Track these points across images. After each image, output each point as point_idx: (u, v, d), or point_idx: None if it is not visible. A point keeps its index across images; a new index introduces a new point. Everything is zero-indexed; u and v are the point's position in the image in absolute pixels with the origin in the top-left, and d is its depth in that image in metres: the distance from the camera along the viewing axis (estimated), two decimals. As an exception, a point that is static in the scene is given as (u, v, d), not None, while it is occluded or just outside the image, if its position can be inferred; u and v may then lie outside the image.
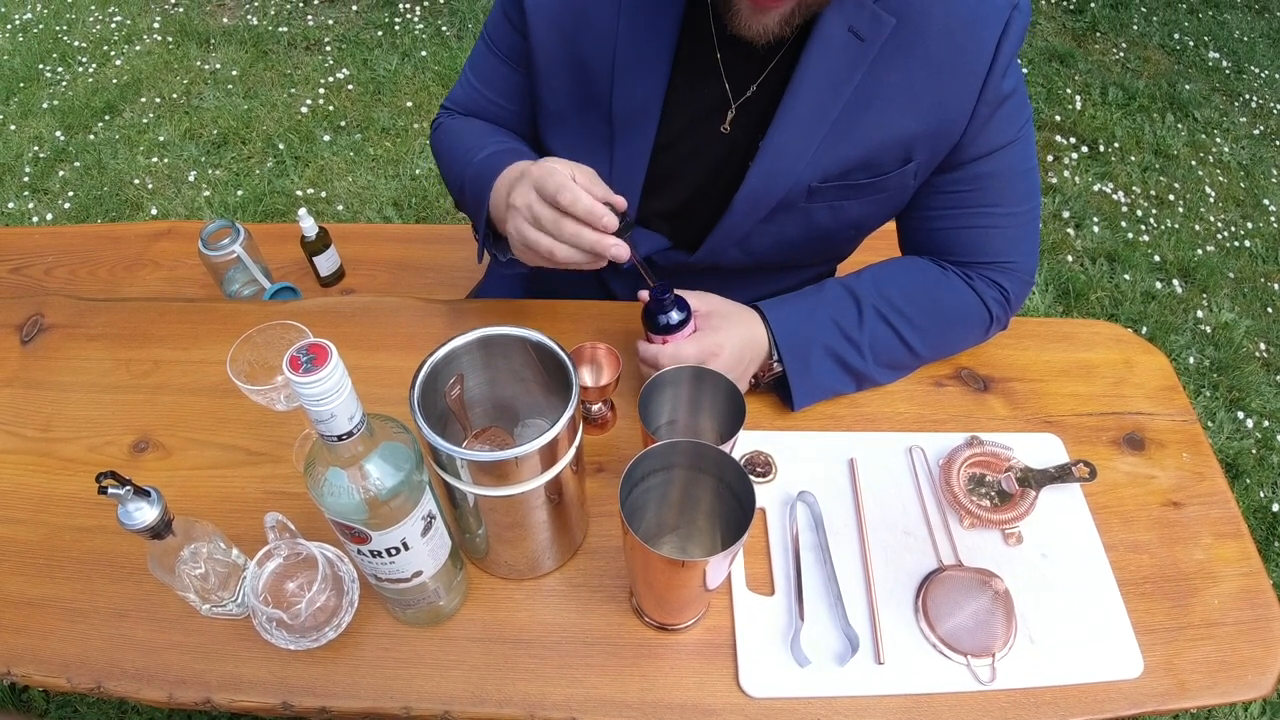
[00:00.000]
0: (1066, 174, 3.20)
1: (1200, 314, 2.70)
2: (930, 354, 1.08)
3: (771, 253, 1.12)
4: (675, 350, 0.95)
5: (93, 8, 4.19)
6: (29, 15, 4.20)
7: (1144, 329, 2.62)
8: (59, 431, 1.03)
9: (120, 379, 1.09)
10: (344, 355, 0.60)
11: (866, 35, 0.92)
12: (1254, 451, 2.33)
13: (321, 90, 3.47)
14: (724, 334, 0.97)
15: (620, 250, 0.84)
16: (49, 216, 3.02)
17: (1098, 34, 4.05)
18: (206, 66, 3.67)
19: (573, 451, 0.76)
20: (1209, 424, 2.38)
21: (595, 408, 1.01)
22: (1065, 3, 4.27)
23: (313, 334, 0.93)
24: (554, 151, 1.09)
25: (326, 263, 1.59)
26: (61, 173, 3.19)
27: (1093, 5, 4.23)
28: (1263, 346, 2.64)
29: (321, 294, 1.62)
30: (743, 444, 1.00)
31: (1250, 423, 2.39)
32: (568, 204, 0.82)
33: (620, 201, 0.86)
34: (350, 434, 0.64)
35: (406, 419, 0.72)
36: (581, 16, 0.99)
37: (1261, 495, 2.23)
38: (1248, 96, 3.78)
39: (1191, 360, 2.55)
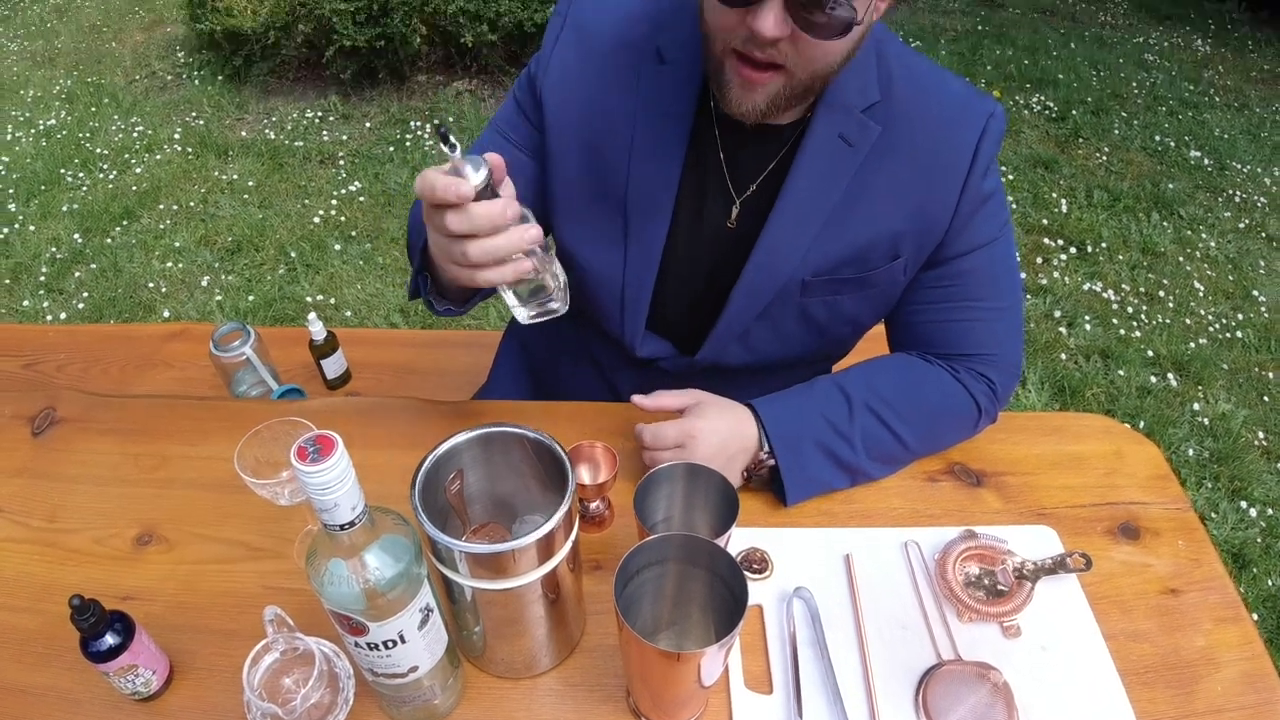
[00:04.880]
0: (1056, 275, 3.28)
1: (1197, 406, 2.73)
2: (921, 447, 1.10)
3: (772, 349, 1.16)
4: (656, 429, 1.03)
5: (116, 117, 4.38)
6: (53, 121, 4.39)
7: (1141, 423, 2.64)
8: (65, 522, 1.05)
9: (128, 473, 1.11)
10: (348, 452, 0.63)
11: (855, 141, 1.00)
12: (1259, 540, 2.32)
13: (334, 201, 3.60)
14: (706, 421, 1.01)
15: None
16: (63, 316, 3.09)
17: (1080, 140, 4.23)
18: (224, 176, 3.82)
19: (569, 546, 0.78)
20: (1212, 515, 2.38)
21: (593, 505, 1.03)
22: (1047, 111, 4.46)
23: (318, 430, 0.95)
24: (566, 243, 1.13)
25: (333, 366, 1.63)
26: (77, 274, 3.28)
27: (1074, 113, 4.42)
28: (1261, 435, 2.66)
29: (328, 395, 1.65)
30: (738, 541, 1.02)
31: (1254, 512, 2.39)
32: (440, 199, 0.77)
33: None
34: (352, 524, 0.66)
35: (408, 513, 0.74)
36: (598, 106, 1.05)
37: (1270, 584, 2.21)
38: (1231, 192, 3.90)
39: (1191, 452, 2.56)
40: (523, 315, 0.88)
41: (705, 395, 1.07)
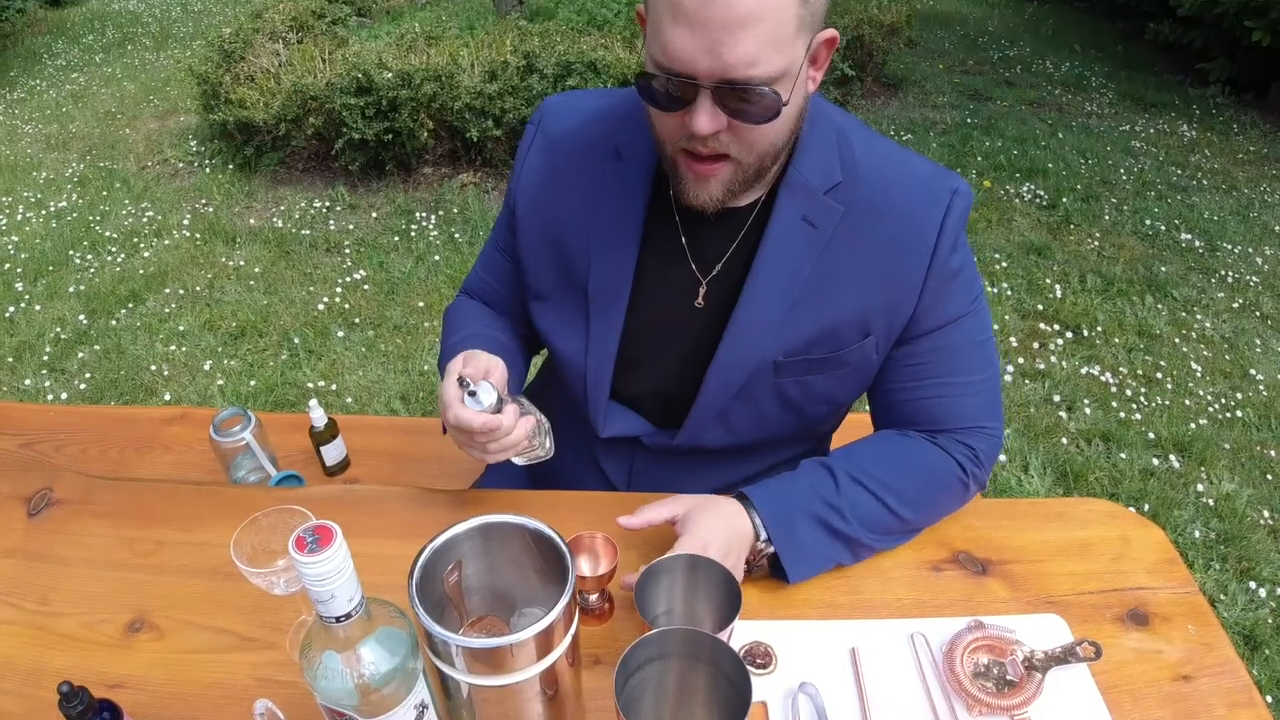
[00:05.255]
0: (1053, 359, 3.30)
1: (1201, 487, 2.71)
2: (913, 515, 1.09)
3: (752, 430, 1.16)
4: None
5: (126, 202, 4.48)
6: (64, 203, 4.49)
7: (1146, 506, 2.62)
8: (56, 606, 1.03)
9: (122, 557, 1.10)
10: (346, 541, 0.63)
11: (818, 223, 1.03)
12: (1270, 621, 2.27)
13: (339, 289, 3.65)
14: (707, 528, 1.00)
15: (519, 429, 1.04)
16: (64, 396, 3.09)
17: (1071, 226, 4.29)
18: (231, 262, 3.88)
19: (568, 640, 0.76)
20: (1222, 597, 2.33)
21: (593, 598, 1.02)
22: (1038, 199, 4.55)
23: (316, 519, 0.95)
24: (540, 328, 1.22)
25: (333, 453, 1.63)
26: (81, 354, 3.30)
27: (1064, 200, 4.50)
28: (1266, 514, 2.63)
29: (326, 483, 1.64)
30: (741, 634, 1.00)
31: (1263, 592, 2.35)
32: (462, 435, 1.03)
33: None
34: (349, 615, 0.65)
35: (404, 605, 0.73)
36: (563, 203, 1.13)
37: (1283, 664, 2.15)
38: (1223, 272, 3.95)
39: (1197, 534, 2.53)
40: (519, 461, 1.12)
41: (690, 501, 1.05)
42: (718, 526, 1.00)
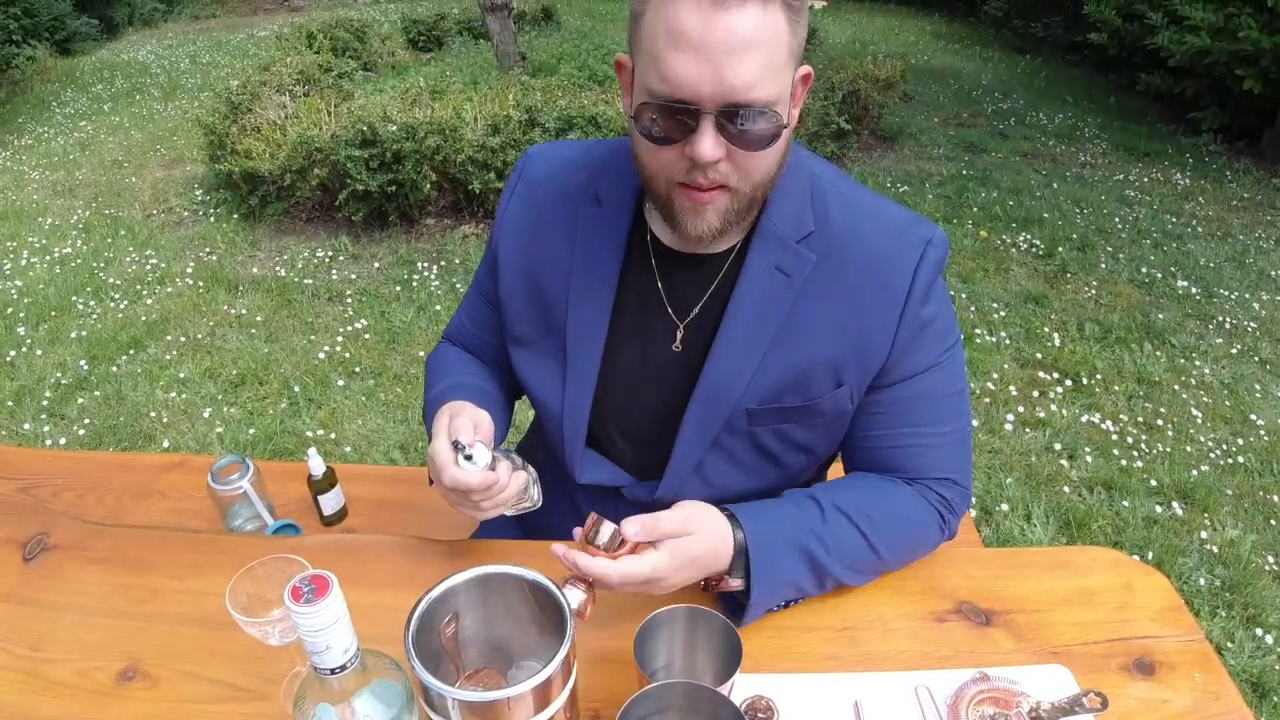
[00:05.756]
0: (1053, 408, 3.30)
1: (1204, 534, 2.69)
2: (890, 555, 1.09)
3: (730, 482, 1.16)
4: (625, 571, 0.92)
5: (131, 249, 4.52)
6: (69, 249, 4.53)
7: (1150, 554, 2.60)
8: (49, 652, 1.02)
9: (116, 604, 1.09)
10: (342, 591, 0.62)
11: (791, 271, 1.04)
12: (1278, 668, 2.24)
13: (340, 338, 3.67)
14: (697, 522, 0.98)
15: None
16: (62, 441, 3.09)
17: (1068, 275, 4.33)
18: (233, 311, 3.90)
19: (566, 693, 0.76)
20: (1228, 644, 2.30)
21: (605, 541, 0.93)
22: (1034, 249, 4.59)
23: (313, 569, 0.94)
24: (519, 374, 1.22)
25: (331, 502, 1.62)
26: (81, 400, 3.30)
27: (1060, 250, 4.54)
28: (1271, 560, 2.61)
29: (323, 532, 1.63)
30: (742, 688, 0.98)
31: (1270, 639, 2.32)
32: (457, 495, 1.02)
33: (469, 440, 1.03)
34: (344, 667, 0.65)
35: (400, 656, 0.73)
36: (542, 249, 1.14)
37: (1291, 712, 2.12)
38: (1221, 319, 3.96)
39: (1202, 581, 2.51)
40: (509, 513, 1.12)
41: (689, 506, 1.01)
42: (704, 535, 0.98)
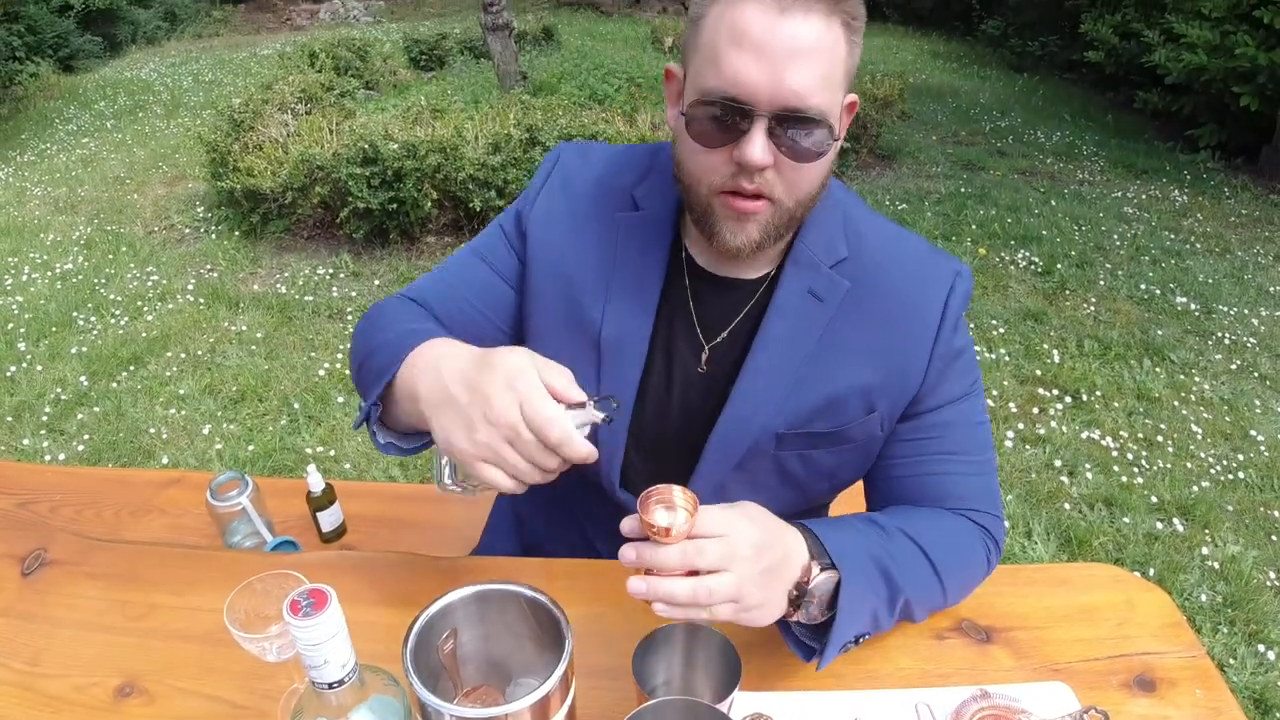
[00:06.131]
0: (1053, 424, 3.30)
1: (1206, 550, 2.69)
2: (950, 580, 1.03)
3: None
4: (655, 551, 0.80)
5: (132, 265, 4.53)
6: (70, 265, 4.54)
7: (1151, 570, 2.59)
8: (46, 667, 1.02)
9: (114, 620, 1.08)
10: (340, 607, 0.62)
11: (825, 296, 1.04)
12: None
13: (339, 355, 3.67)
14: (753, 511, 0.88)
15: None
16: (61, 456, 3.09)
17: (1067, 292, 4.34)
18: (233, 327, 3.91)
19: (564, 711, 0.76)
20: (1231, 661, 2.30)
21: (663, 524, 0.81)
22: (1033, 266, 4.60)
23: (311, 584, 0.94)
24: None
25: (329, 519, 1.62)
26: (80, 416, 3.30)
27: (1059, 266, 4.55)
28: (1273, 576, 2.61)
29: (322, 549, 1.63)
30: (741, 705, 0.98)
31: (1272, 655, 2.31)
32: (555, 443, 0.80)
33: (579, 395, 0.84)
34: (341, 682, 0.65)
35: (398, 673, 0.73)
36: (577, 248, 1.10)
37: (1294, 728, 2.11)
38: (1220, 334, 3.97)
39: (1204, 598, 2.51)
40: (447, 485, 0.92)
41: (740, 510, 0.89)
42: (764, 520, 0.88)
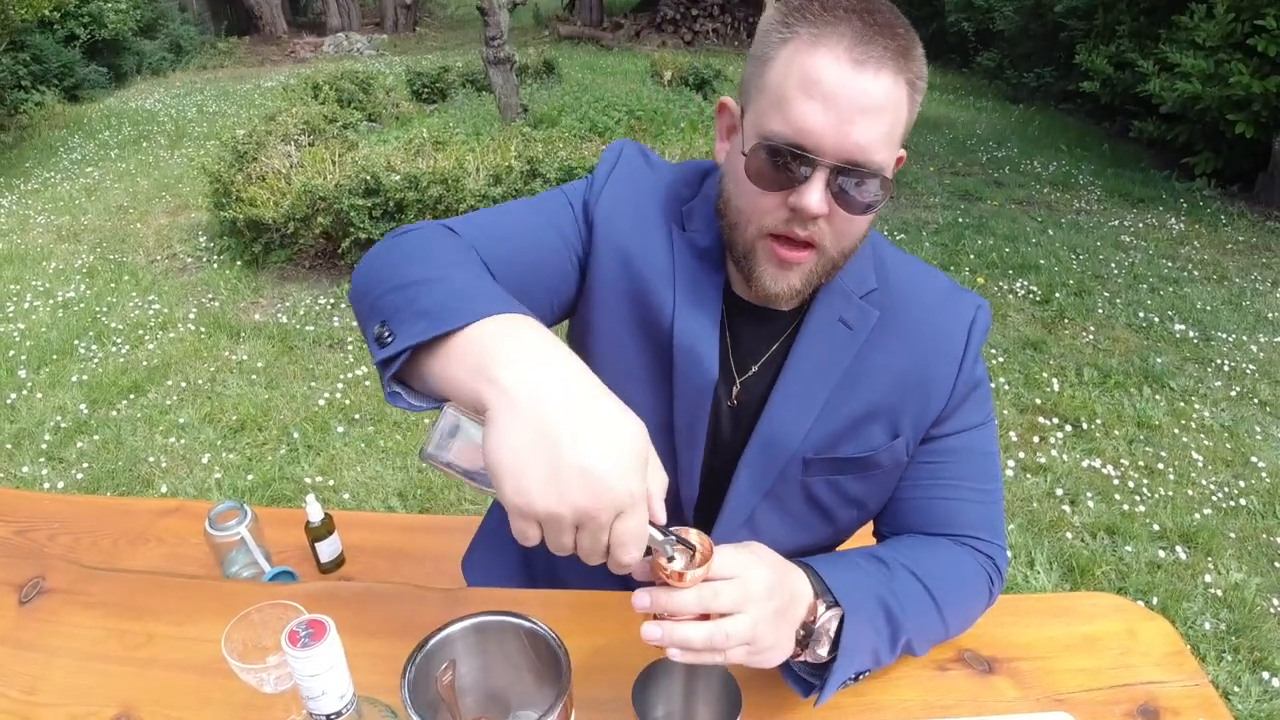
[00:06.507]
0: (1054, 453, 3.29)
1: (1209, 578, 2.68)
2: (951, 614, 1.04)
3: (780, 536, 1.13)
4: (670, 596, 0.78)
5: (134, 294, 4.55)
6: (72, 293, 4.56)
7: (1154, 599, 2.58)
8: (43, 696, 1.01)
9: (111, 649, 1.08)
10: (339, 639, 0.62)
11: (855, 325, 1.06)
12: None
13: (340, 385, 3.67)
14: (761, 553, 0.87)
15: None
16: (60, 484, 3.08)
17: (1066, 320, 4.35)
18: (234, 357, 3.91)
19: (562, 743, 0.75)
20: (1235, 689, 2.28)
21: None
22: (1031, 295, 4.62)
23: (310, 614, 0.94)
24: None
25: (328, 549, 1.62)
26: (80, 444, 3.30)
27: (1057, 295, 4.57)
28: (1276, 602, 2.59)
29: (320, 579, 1.62)
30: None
31: (1277, 682, 2.29)
32: (622, 561, 0.70)
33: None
34: (340, 714, 0.65)
35: (397, 705, 0.72)
36: (641, 250, 1.07)
37: (1299, 757, 2.09)
38: (1219, 361, 3.98)
39: (1208, 626, 2.49)
40: (437, 459, 0.73)
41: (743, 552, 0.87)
42: (772, 561, 0.87)
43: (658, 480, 0.72)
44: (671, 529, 0.75)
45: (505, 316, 0.75)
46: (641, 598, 0.78)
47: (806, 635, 0.89)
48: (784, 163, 0.89)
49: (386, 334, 0.78)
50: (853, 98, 0.85)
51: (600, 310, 1.08)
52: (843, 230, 0.93)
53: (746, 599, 0.80)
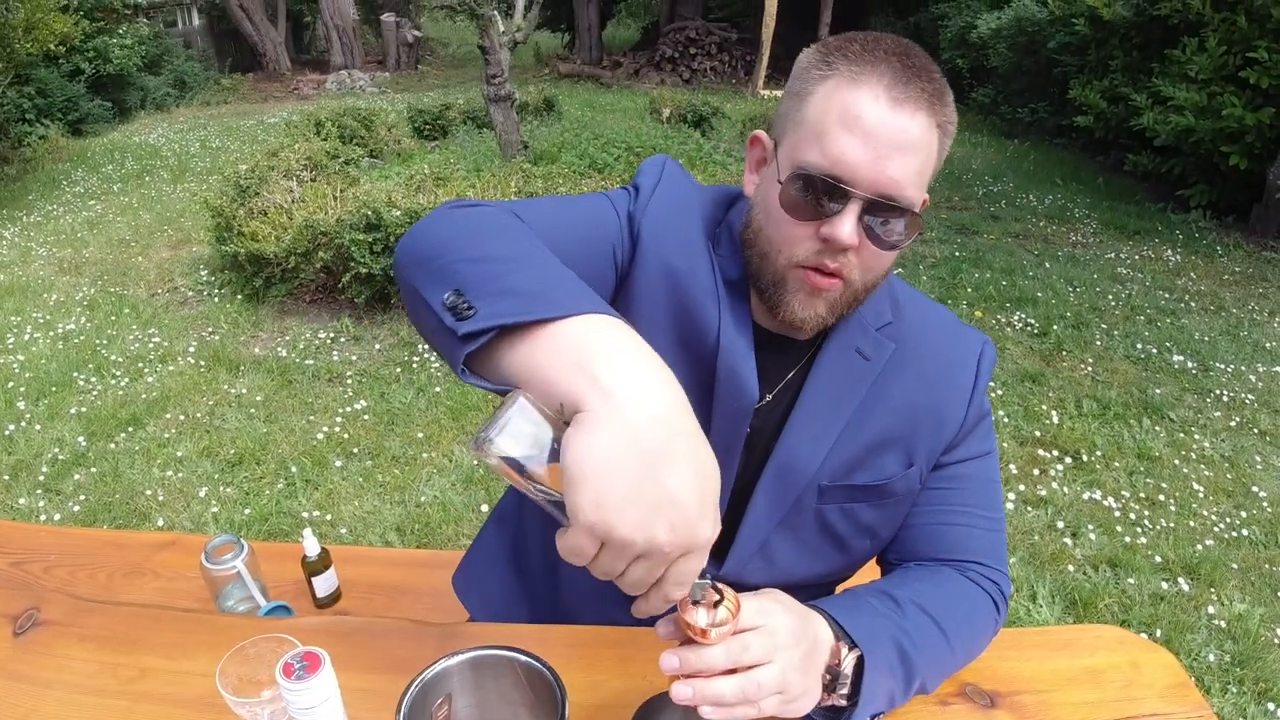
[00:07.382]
0: (1054, 485, 3.28)
1: (1212, 609, 2.66)
2: (960, 647, 1.05)
3: (794, 564, 1.13)
4: (700, 654, 0.77)
5: (134, 327, 4.56)
6: (72, 326, 4.57)
7: (1158, 631, 2.56)
8: (34, 730, 1.00)
9: (105, 683, 1.07)
10: (334, 672, 0.62)
11: (871, 356, 1.08)
12: None
13: (339, 419, 3.67)
14: (782, 601, 0.88)
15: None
16: (57, 516, 3.07)
17: (1064, 353, 4.36)
18: (233, 390, 3.91)
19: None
20: (1241, 720, 2.25)
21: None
22: (1029, 328, 4.63)
23: (305, 647, 0.93)
24: None
25: (324, 584, 1.61)
26: (77, 476, 3.29)
27: (1055, 328, 4.58)
28: (1279, 633, 2.57)
29: (316, 614, 1.61)
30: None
31: (1282, 713, 2.27)
32: (662, 598, 0.70)
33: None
34: (335, 751, 0.64)
35: (392, 739, 0.72)
36: (684, 263, 1.06)
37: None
38: (1218, 392, 3.98)
39: (1212, 657, 2.47)
40: (494, 452, 0.65)
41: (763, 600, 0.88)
42: (793, 607, 0.88)
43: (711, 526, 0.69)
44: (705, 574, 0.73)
45: (607, 316, 0.72)
46: (670, 659, 0.77)
47: (833, 679, 0.90)
48: (818, 193, 0.91)
49: (464, 305, 0.73)
50: (891, 135, 0.88)
51: (642, 323, 1.01)
52: (869, 265, 0.95)
53: (775, 647, 0.81)
